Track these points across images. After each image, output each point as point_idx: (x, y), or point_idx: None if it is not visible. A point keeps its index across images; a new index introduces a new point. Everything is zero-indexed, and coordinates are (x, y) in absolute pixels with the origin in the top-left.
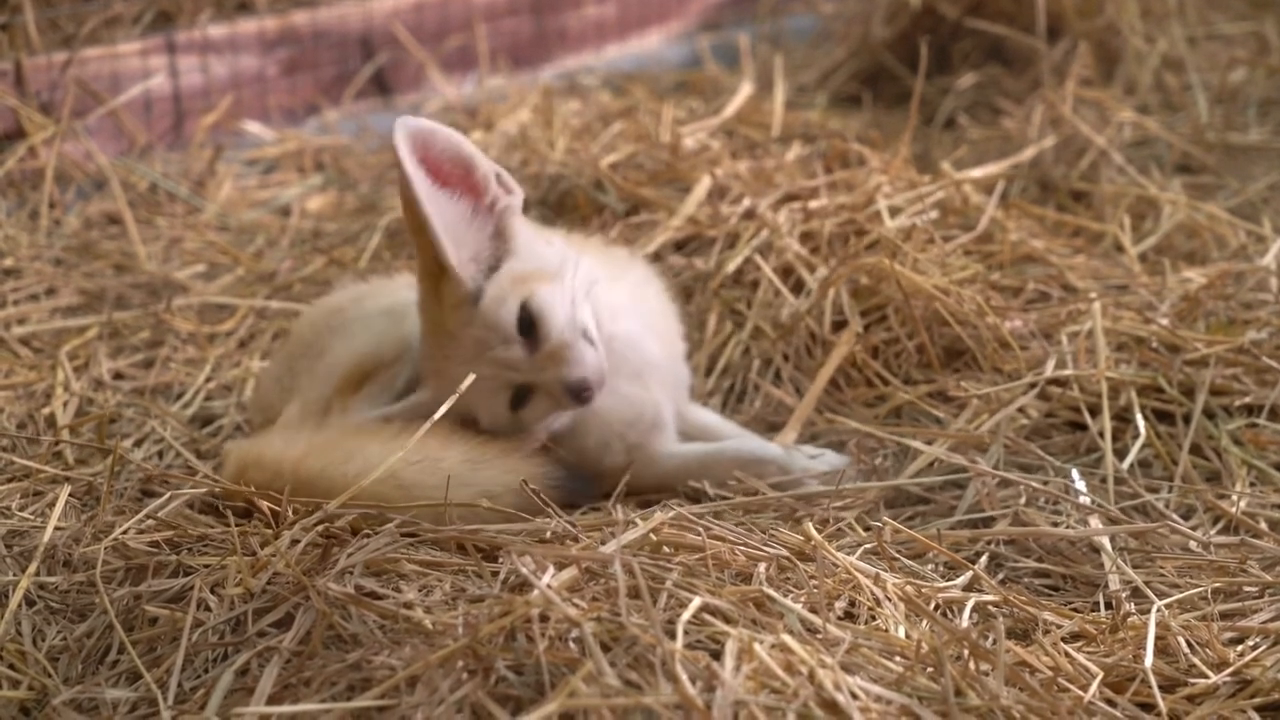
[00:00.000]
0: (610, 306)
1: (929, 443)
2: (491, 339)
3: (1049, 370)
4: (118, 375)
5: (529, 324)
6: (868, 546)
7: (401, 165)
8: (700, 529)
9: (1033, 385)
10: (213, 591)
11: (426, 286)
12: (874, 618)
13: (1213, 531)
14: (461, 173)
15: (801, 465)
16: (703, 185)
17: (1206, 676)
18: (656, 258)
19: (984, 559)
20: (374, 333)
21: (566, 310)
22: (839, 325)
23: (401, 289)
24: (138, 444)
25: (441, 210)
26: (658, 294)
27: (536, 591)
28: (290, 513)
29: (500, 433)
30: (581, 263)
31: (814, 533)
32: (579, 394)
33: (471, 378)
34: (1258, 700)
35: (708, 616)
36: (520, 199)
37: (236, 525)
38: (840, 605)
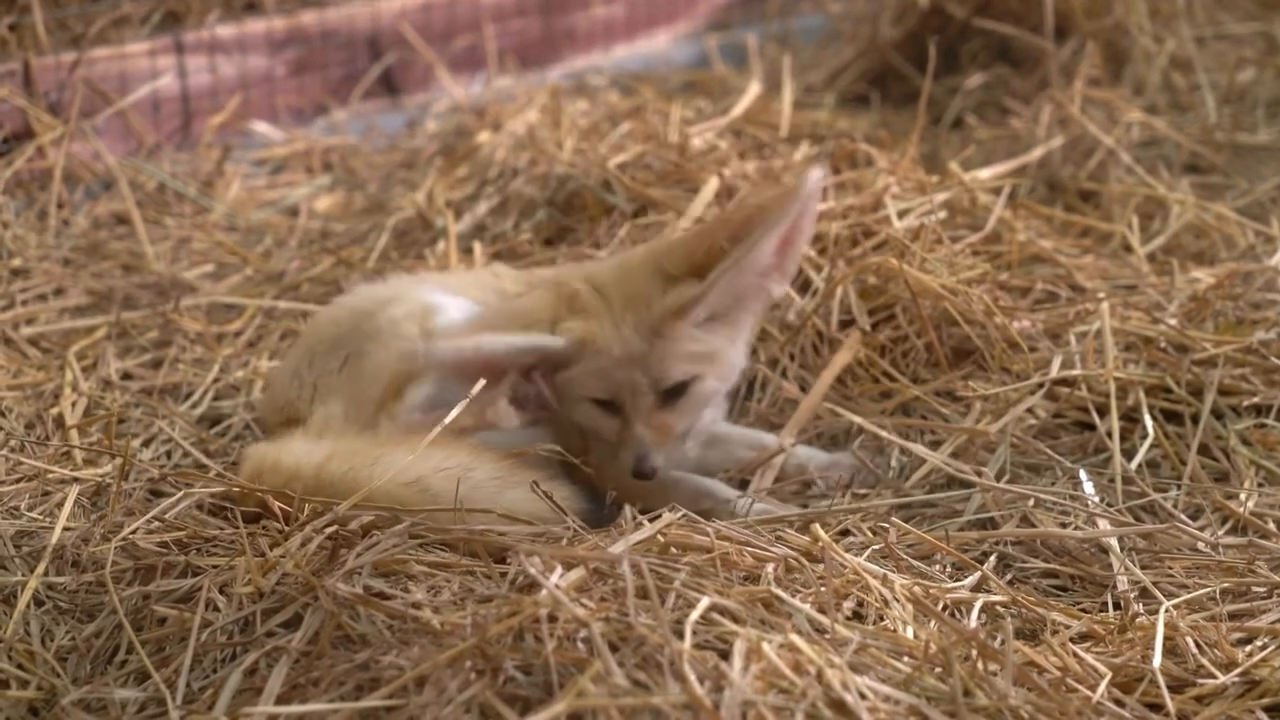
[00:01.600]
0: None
1: (935, 444)
2: (646, 367)
3: (1056, 370)
4: (126, 375)
5: (678, 392)
6: (875, 547)
7: (797, 200)
8: (708, 530)
9: (1040, 385)
10: (221, 592)
11: (673, 265)
12: (882, 618)
13: (1221, 532)
14: (791, 241)
15: (759, 509)
16: (711, 185)
17: (1215, 677)
18: None
19: (992, 560)
20: (403, 339)
21: (705, 415)
22: (846, 325)
23: (423, 290)
24: (146, 444)
25: (764, 252)
26: (742, 354)
27: (545, 592)
28: (302, 514)
29: (562, 399)
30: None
31: (821, 533)
32: (641, 473)
33: (461, 405)
34: (1266, 701)
35: (716, 616)
36: (781, 294)
37: (245, 527)
38: (848, 605)
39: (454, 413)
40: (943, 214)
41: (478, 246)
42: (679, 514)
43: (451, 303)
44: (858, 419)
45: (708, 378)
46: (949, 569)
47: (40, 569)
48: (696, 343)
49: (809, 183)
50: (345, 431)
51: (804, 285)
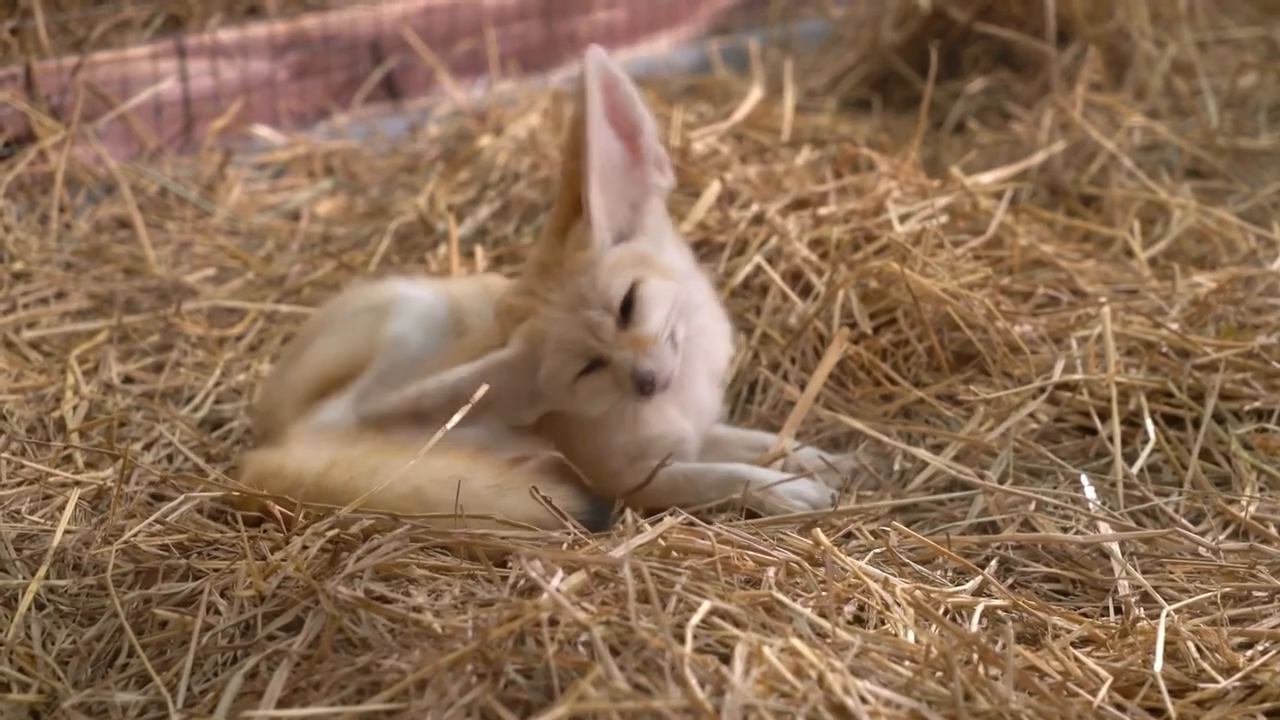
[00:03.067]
0: (700, 334)
1: (937, 448)
2: (593, 299)
3: (1058, 374)
4: (127, 379)
5: (630, 304)
6: (877, 551)
7: (586, 86)
8: (709, 533)
9: (1042, 389)
10: (222, 595)
11: (556, 224)
12: (883, 622)
13: (1222, 536)
14: (630, 128)
15: (788, 490)
16: (712, 190)
17: (1216, 681)
18: None
19: (993, 564)
20: (351, 334)
21: (668, 310)
22: (845, 327)
23: (397, 285)
24: (147, 448)
25: (605, 146)
26: (725, 333)
27: (546, 595)
28: (302, 518)
29: (549, 397)
30: (698, 282)
31: (823, 537)
32: (644, 386)
33: (461, 413)
34: (1267, 705)
35: (717, 620)
36: (669, 185)
37: (246, 531)
38: (849, 609)
39: (439, 435)
40: (944, 218)
41: (479, 250)
42: (680, 517)
43: (419, 294)
44: (858, 424)
45: (648, 278)
46: (950, 573)
47: (41, 572)
48: (616, 257)
49: (587, 62)
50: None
51: (805, 289)
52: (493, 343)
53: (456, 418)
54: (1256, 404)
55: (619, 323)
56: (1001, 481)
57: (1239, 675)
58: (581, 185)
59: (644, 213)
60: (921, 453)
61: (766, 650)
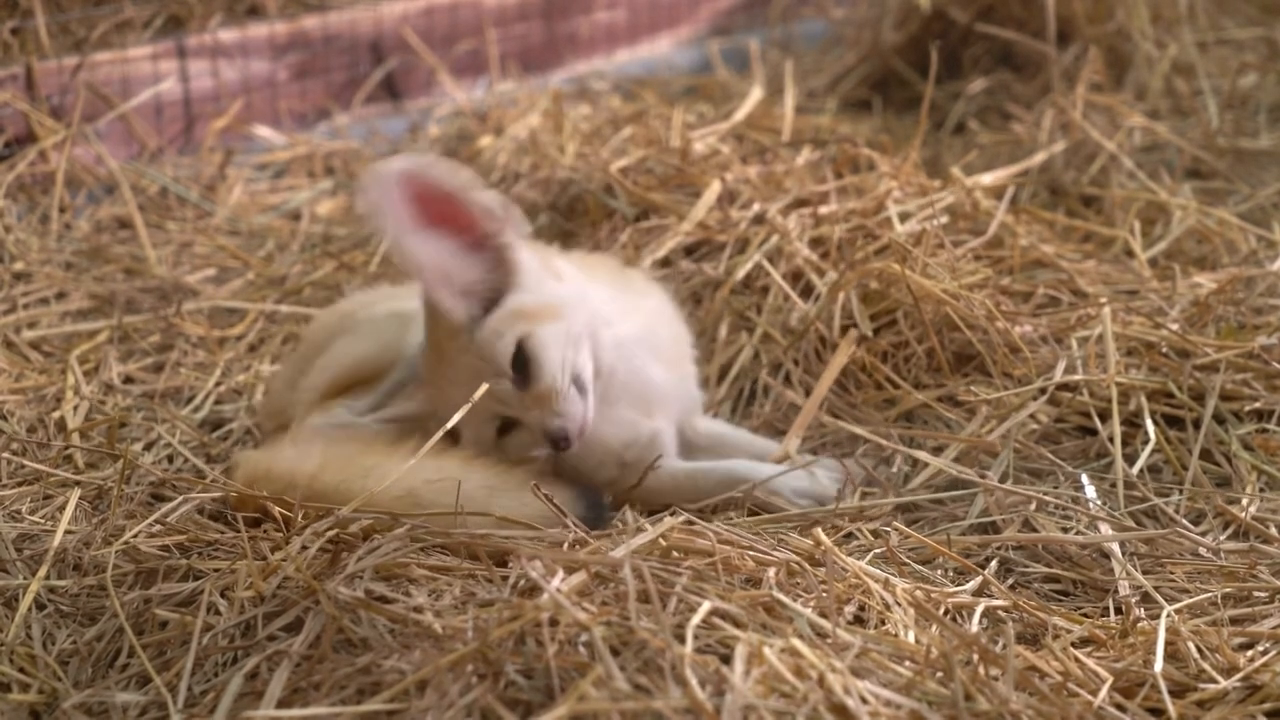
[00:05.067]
0: (616, 341)
1: (938, 449)
2: (485, 370)
3: (1059, 375)
4: (128, 379)
5: (523, 363)
6: (877, 551)
7: (376, 211)
8: (710, 533)
9: (1043, 390)
10: (223, 595)
11: (428, 308)
12: (883, 622)
13: (1222, 537)
14: (451, 209)
15: (791, 487)
16: (713, 190)
17: (1216, 682)
18: (666, 263)
19: (994, 564)
20: (377, 336)
21: (561, 354)
22: (848, 329)
23: (414, 295)
24: (147, 448)
25: (424, 249)
26: (670, 320)
27: (546, 595)
28: (301, 519)
29: (483, 452)
30: (590, 297)
31: (823, 537)
32: (557, 442)
33: (463, 410)
34: (1268, 706)
35: (717, 621)
36: (522, 231)
37: (246, 531)
38: (850, 610)
39: (439, 434)
40: (944, 219)
41: None
42: (680, 517)
43: None
44: (859, 429)
45: (532, 331)
46: (951, 573)
47: (42, 572)
48: (491, 325)
49: (371, 188)
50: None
51: (806, 290)
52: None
53: (436, 437)
54: (1257, 404)
55: (517, 383)
56: (1002, 482)
57: (1239, 676)
58: (425, 290)
59: (506, 268)
60: (922, 455)
61: (767, 650)
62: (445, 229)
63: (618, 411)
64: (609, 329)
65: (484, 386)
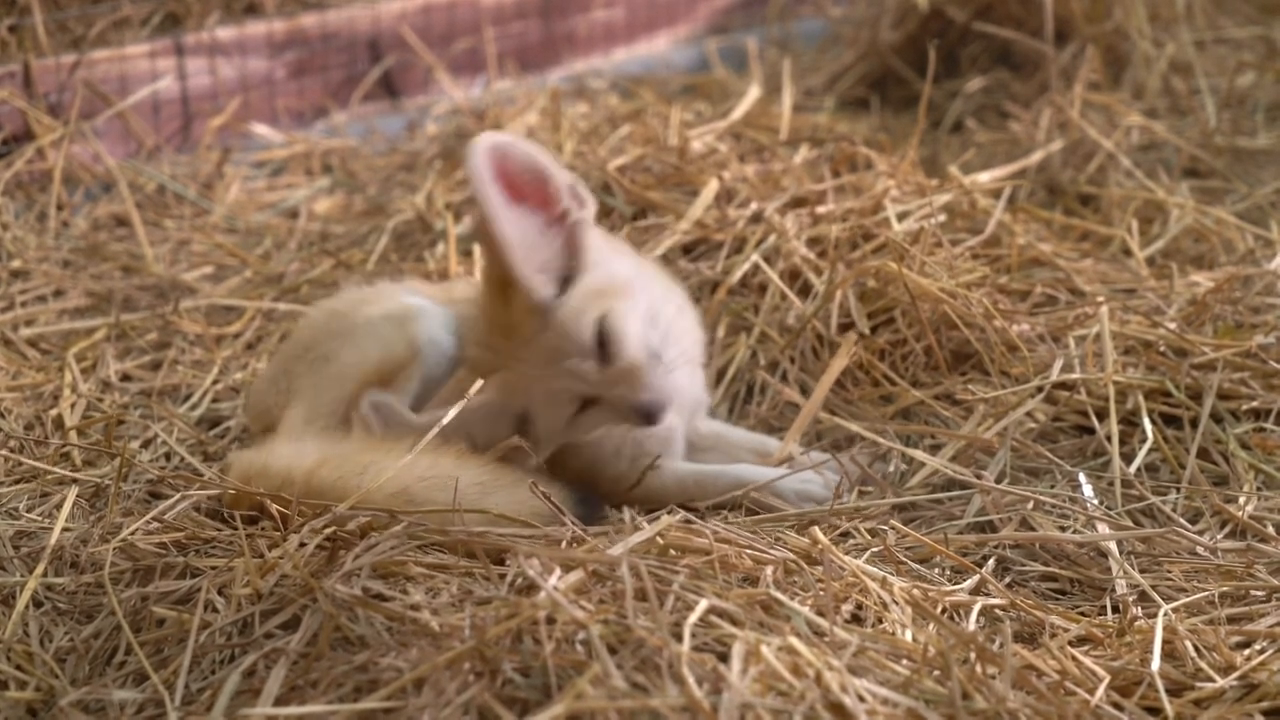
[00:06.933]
0: (667, 323)
1: (935, 448)
2: (567, 349)
3: (1056, 374)
4: (125, 377)
5: (604, 339)
6: (875, 550)
7: (475, 183)
8: (707, 532)
9: (1040, 389)
10: (220, 593)
11: (494, 291)
12: (881, 621)
13: (1220, 536)
14: (536, 186)
15: (795, 490)
16: (710, 189)
17: (1213, 680)
18: (664, 262)
19: (991, 563)
20: (383, 338)
21: (640, 330)
22: (846, 328)
23: (400, 293)
24: (145, 445)
25: (514, 225)
26: (692, 321)
27: (543, 594)
28: (298, 516)
29: (545, 439)
30: (650, 277)
31: (821, 536)
32: (649, 415)
33: (458, 407)
34: (1265, 704)
35: (714, 619)
36: (593, 211)
37: (244, 529)
38: (847, 608)
39: (445, 419)
40: (942, 217)
41: (477, 250)
42: (677, 516)
43: (431, 308)
44: (856, 427)
45: (612, 307)
46: (948, 572)
47: (39, 570)
48: (572, 303)
49: (470, 158)
50: (308, 430)
51: (804, 289)
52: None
53: (431, 432)
54: (1254, 403)
55: (599, 361)
56: (999, 481)
57: (1236, 674)
58: (510, 267)
59: (579, 249)
60: (919, 454)
61: (764, 649)
62: (528, 206)
63: None
64: (665, 310)
65: (479, 384)
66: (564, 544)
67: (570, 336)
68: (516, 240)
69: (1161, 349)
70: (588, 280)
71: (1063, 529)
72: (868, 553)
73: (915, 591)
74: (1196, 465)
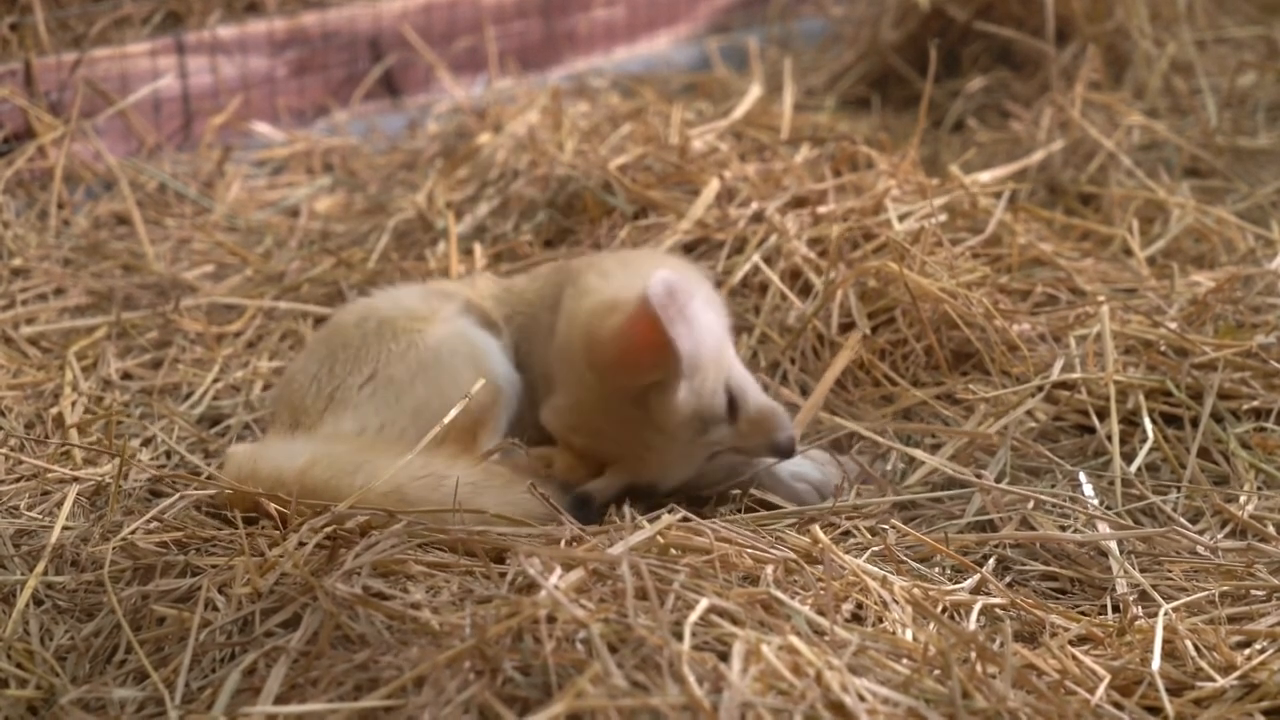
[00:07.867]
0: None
1: (935, 447)
2: (707, 425)
3: (1057, 373)
4: (126, 375)
5: (731, 404)
6: (875, 549)
7: (666, 321)
8: (708, 531)
9: (1040, 388)
10: (220, 591)
11: (631, 402)
12: (881, 620)
13: (1220, 535)
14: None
15: (790, 471)
16: (711, 188)
17: (1214, 680)
18: None
19: (991, 562)
20: (458, 378)
21: (745, 373)
22: (846, 328)
23: (441, 303)
24: (145, 444)
25: (695, 344)
26: (719, 309)
27: (544, 592)
28: (296, 516)
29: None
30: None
31: (821, 535)
32: (788, 452)
33: (457, 408)
34: (1265, 704)
35: (715, 618)
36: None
37: (244, 528)
38: (847, 608)
39: (450, 415)
40: (943, 217)
41: (478, 248)
42: (677, 515)
43: (490, 342)
44: (856, 426)
45: (731, 371)
46: (948, 571)
47: (39, 568)
48: (696, 382)
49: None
50: (373, 449)
51: (804, 289)
52: (574, 475)
53: (430, 435)
54: (1255, 403)
55: (730, 421)
56: (1000, 480)
57: (1237, 674)
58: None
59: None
60: (919, 453)
61: (764, 648)
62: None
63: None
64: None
65: (480, 383)
66: (564, 543)
67: (710, 410)
68: (692, 358)
69: (1162, 349)
70: (693, 352)
71: (1063, 528)
72: (868, 552)
73: (915, 591)
74: (1197, 465)
